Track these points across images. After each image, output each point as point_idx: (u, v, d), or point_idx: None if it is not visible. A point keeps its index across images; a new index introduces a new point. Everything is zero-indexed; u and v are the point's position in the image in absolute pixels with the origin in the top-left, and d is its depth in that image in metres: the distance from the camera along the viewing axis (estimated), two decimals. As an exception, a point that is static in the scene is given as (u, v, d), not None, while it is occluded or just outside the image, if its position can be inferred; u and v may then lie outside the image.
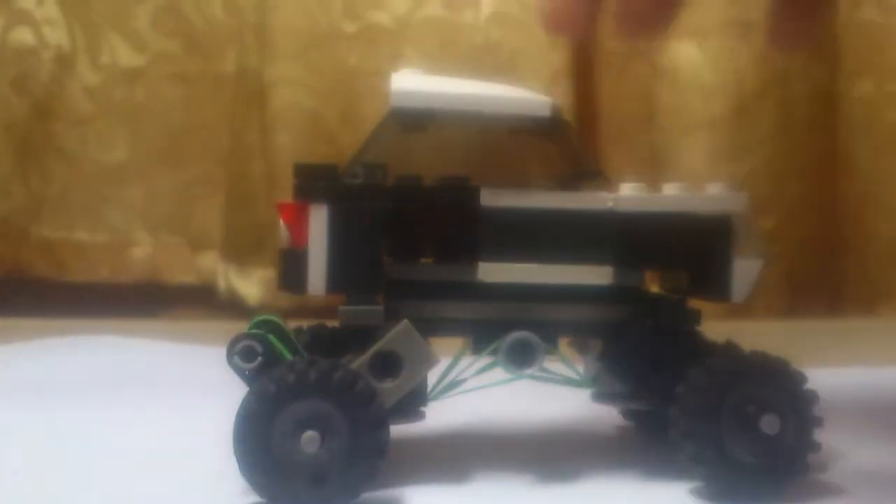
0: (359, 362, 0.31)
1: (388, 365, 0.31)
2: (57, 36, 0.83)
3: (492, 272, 0.32)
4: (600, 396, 0.35)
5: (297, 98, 0.79)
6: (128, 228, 0.84)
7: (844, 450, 0.36)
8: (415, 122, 0.32)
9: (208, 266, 0.83)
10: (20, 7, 0.83)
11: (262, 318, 0.33)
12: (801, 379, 0.31)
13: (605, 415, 0.38)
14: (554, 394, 0.35)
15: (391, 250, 0.33)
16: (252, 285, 0.79)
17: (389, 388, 0.31)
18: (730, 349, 0.33)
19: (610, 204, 0.32)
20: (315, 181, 0.31)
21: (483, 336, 0.33)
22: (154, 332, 0.62)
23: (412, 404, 0.32)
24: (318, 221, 0.31)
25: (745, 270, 0.33)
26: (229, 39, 0.82)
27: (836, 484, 0.33)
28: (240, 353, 0.31)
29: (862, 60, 0.77)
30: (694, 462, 0.31)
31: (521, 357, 0.32)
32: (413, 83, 0.32)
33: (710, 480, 0.31)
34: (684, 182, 0.33)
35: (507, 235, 0.32)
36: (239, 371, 0.32)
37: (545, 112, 0.31)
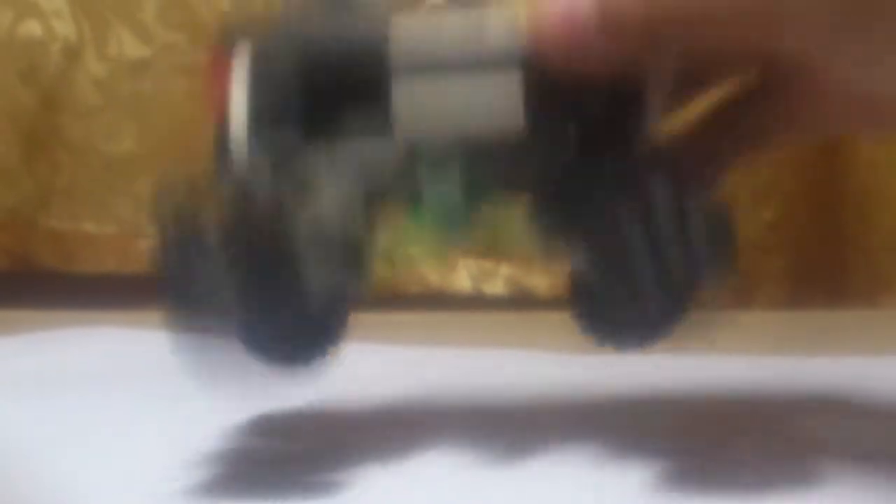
0: None
1: None
2: (64, 28, 0.83)
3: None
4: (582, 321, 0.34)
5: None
6: (135, 220, 0.84)
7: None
8: None
9: (215, 257, 0.83)
10: (28, -1, 0.83)
11: None
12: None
13: (569, 383, 0.38)
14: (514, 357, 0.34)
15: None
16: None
17: None
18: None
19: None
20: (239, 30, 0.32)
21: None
22: (160, 324, 0.62)
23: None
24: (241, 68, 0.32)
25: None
26: (235, 32, 0.83)
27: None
28: None
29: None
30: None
31: None
32: None
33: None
34: None
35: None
36: None
37: None
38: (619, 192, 0.31)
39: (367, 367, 0.43)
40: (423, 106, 0.32)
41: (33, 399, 0.44)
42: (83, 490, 0.32)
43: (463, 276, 0.81)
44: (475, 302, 0.81)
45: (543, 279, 0.79)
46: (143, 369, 0.51)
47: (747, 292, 0.80)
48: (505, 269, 0.81)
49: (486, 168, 0.32)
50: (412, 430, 0.38)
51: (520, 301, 0.80)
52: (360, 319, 0.33)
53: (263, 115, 0.32)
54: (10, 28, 0.83)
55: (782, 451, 0.35)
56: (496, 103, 0.32)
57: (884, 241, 0.79)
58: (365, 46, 0.32)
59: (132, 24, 0.84)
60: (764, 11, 0.29)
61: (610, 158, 0.32)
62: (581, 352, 0.36)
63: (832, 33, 0.29)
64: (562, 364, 0.44)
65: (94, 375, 0.49)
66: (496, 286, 0.81)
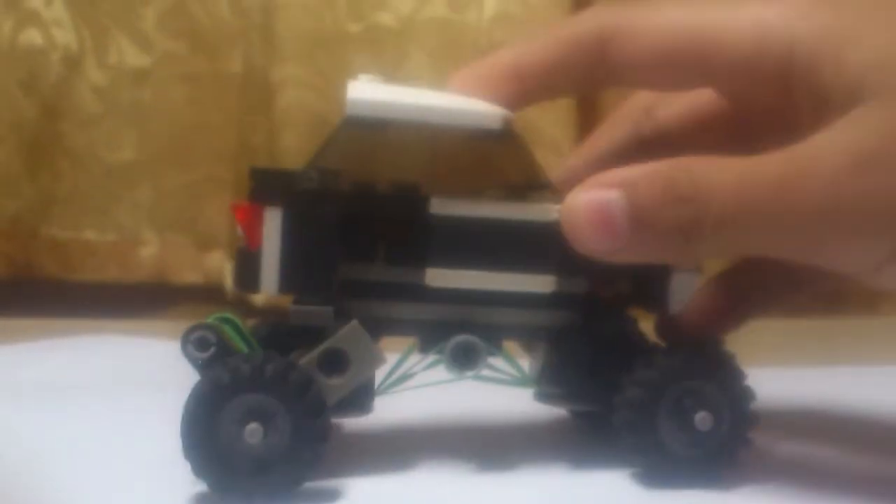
0: (307, 358, 0.32)
1: (335, 362, 0.32)
2: (65, 37, 0.84)
3: (439, 278, 0.33)
4: (542, 396, 0.36)
5: (302, 98, 0.79)
6: (136, 228, 0.85)
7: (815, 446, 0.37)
8: (369, 129, 0.32)
9: (215, 265, 0.84)
10: (29, 8, 0.83)
11: (219, 315, 0.34)
12: (739, 376, 0.33)
13: (548, 410, 0.39)
14: (499, 390, 0.36)
15: (343, 252, 0.33)
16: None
17: (336, 385, 0.32)
18: (673, 349, 0.34)
19: (555, 216, 0.32)
20: (270, 185, 0.32)
21: (430, 336, 0.34)
22: (161, 332, 0.62)
23: (360, 398, 0.33)
24: (272, 224, 0.32)
25: (683, 284, 0.34)
26: (235, 40, 0.83)
27: (769, 475, 0.33)
28: (194, 343, 0.32)
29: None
30: (632, 452, 0.33)
31: (464, 359, 0.33)
32: (369, 92, 0.33)
33: (647, 469, 0.33)
34: None
35: (454, 243, 0.33)
36: (192, 360, 0.32)
37: (496, 124, 0.32)
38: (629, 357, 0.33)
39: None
40: (454, 280, 0.33)
41: (35, 406, 0.44)
42: (83, 495, 0.32)
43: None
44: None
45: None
46: (143, 376, 0.51)
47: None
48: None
49: (505, 321, 0.34)
50: (409, 440, 0.38)
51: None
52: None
53: (293, 272, 0.33)
54: (11, 37, 0.83)
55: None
56: (529, 288, 0.33)
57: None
58: (402, 218, 0.33)
59: (132, 33, 0.84)
60: (812, 229, 0.29)
61: (626, 323, 0.35)
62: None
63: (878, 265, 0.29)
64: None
65: (95, 383, 0.49)
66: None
